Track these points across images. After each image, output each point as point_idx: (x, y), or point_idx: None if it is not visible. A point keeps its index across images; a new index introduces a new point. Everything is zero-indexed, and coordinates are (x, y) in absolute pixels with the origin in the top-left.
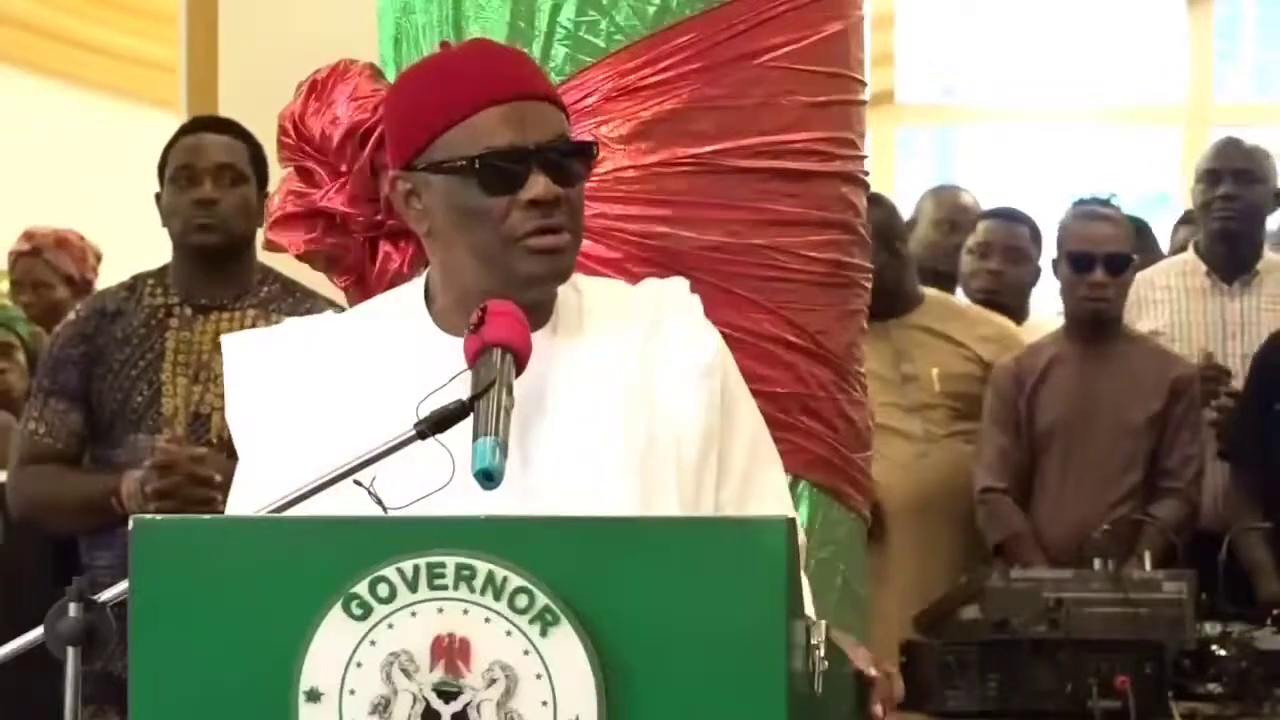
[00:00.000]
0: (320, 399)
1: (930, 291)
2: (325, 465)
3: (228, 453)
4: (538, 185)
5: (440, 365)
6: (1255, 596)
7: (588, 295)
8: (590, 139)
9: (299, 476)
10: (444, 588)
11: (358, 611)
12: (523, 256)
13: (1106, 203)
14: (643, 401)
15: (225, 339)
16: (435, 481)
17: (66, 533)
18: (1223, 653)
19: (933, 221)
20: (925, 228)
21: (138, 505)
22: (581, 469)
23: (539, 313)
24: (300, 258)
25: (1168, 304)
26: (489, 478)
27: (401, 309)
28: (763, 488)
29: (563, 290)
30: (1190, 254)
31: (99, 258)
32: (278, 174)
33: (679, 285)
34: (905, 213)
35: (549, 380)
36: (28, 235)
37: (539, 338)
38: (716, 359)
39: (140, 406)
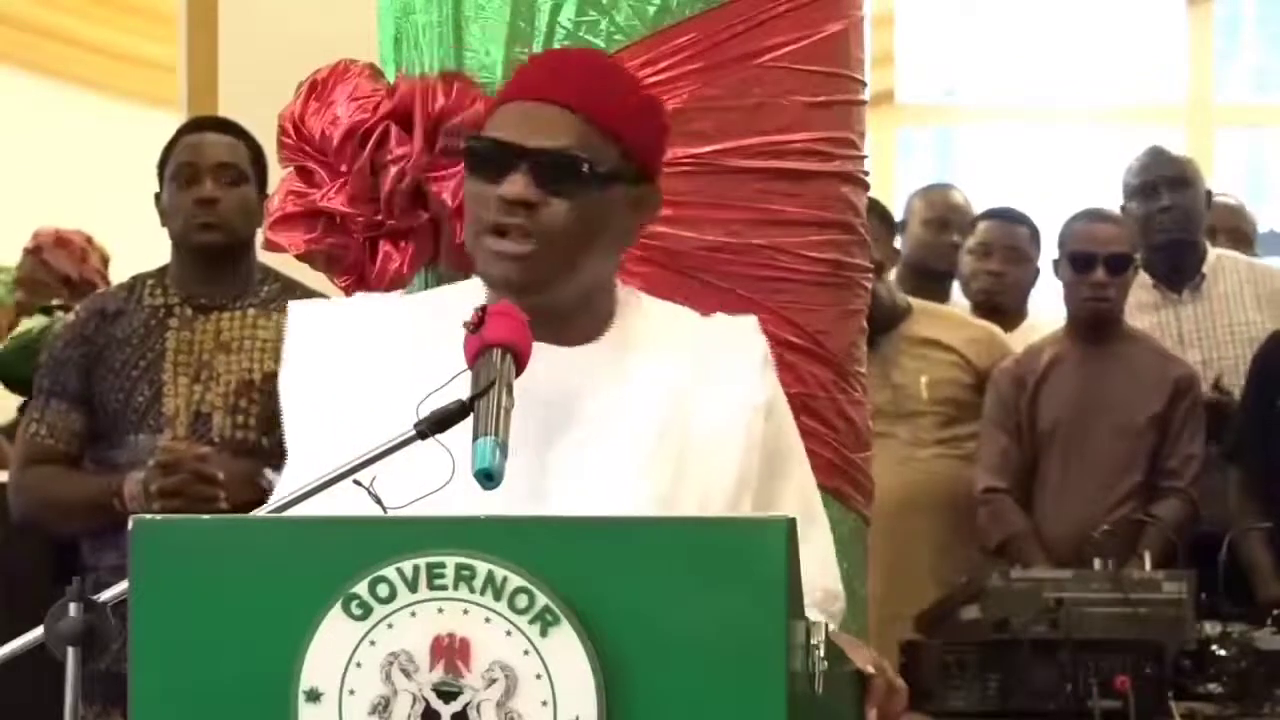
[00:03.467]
0: (370, 379)
1: (916, 301)
2: (364, 448)
3: (230, 452)
4: (515, 184)
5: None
6: (1255, 597)
7: (649, 318)
8: (585, 157)
9: (343, 455)
10: (444, 588)
11: (358, 611)
12: (485, 256)
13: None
14: (676, 436)
15: (293, 305)
16: (444, 482)
17: (68, 534)
18: (1223, 653)
19: (923, 221)
20: (916, 227)
21: (141, 505)
22: (602, 498)
23: (579, 325)
24: (300, 258)
25: None
26: (489, 478)
27: (461, 295)
28: (811, 548)
29: (625, 309)
30: None
31: (106, 260)
32: (278, 174)
33: (744, 324)
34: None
35: (584, 397)
36: (34, 235)
37: (587, 351)
38: (762, 403)
39: (141, 406)
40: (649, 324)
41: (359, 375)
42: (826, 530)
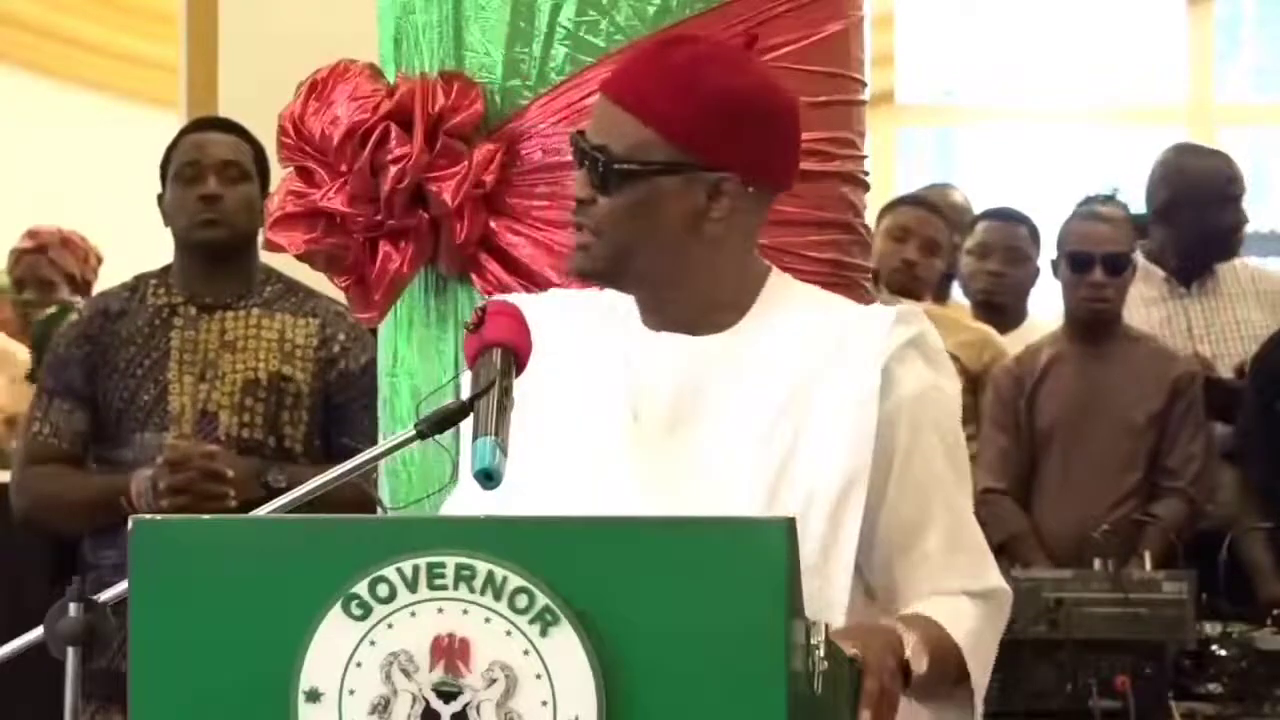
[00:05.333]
0: (536, 376)
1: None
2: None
3: (236, 450)
4: (578, 180)
5: (634, 358)
6: (1255, 597)
7: (790, 308)
8: (617, 155)
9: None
10: (444, 588)
11: (358, 611)
12: None
13: (1110, 198)
14: (788, 431)
15: (492, 298)
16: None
17: (72, 533)
18: (1223, 653)
19: None
20: None
21: (148, 503)
22: (708, 486)
23: (704, 315)
24: (300, 258)
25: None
26: (489, 477)
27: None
28: (964, 555)
29: (767, 298)
30: (1140, 260)
31: (100, 260)
32: (278, 175)
33: (880, 315)
34: None
35: (703, 389)
36: (32, 234)
37: (714, 341)
38: (872, 398)
39: (147, 405)
40: (788, 314)
41: (530, 373)
42: (978, 536)
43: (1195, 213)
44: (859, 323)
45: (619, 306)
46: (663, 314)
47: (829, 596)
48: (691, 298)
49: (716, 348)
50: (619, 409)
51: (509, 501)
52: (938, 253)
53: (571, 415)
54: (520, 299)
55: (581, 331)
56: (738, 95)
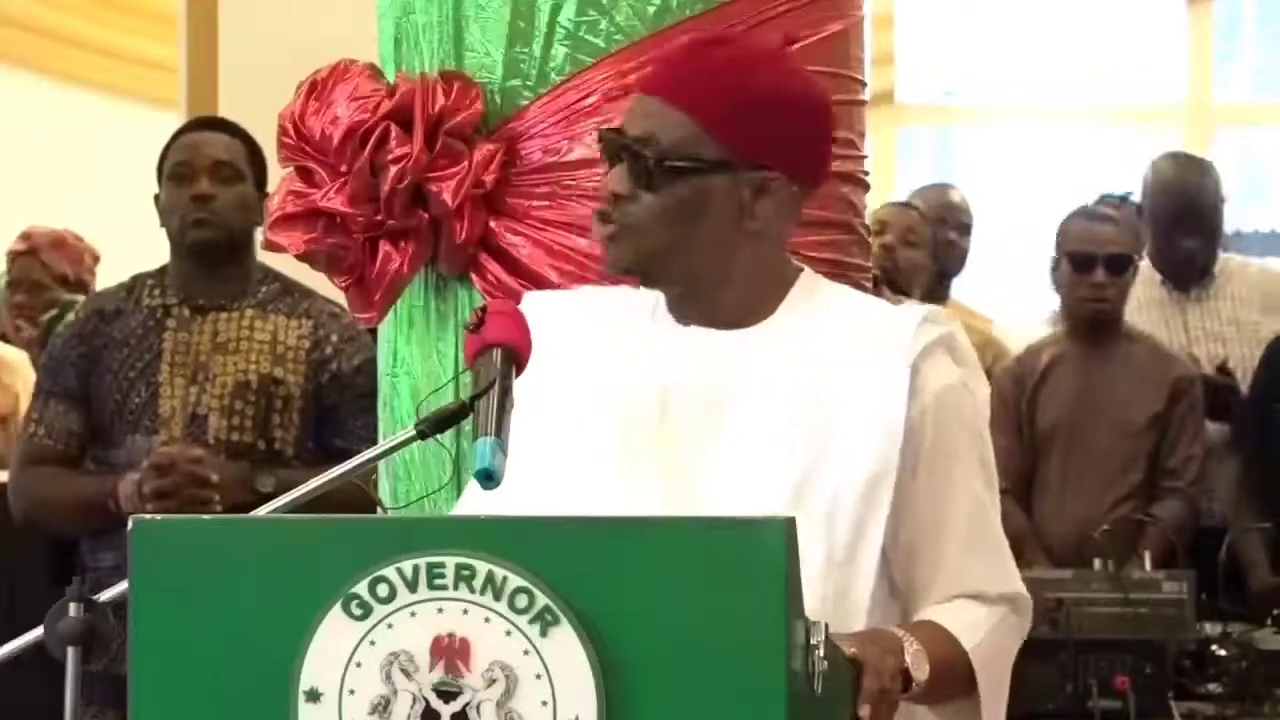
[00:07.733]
0: (553, 371)
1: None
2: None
3: (225, 454)
4: (612, 176)
5: (652, 354)
6: (1248, 591)
7: (819, 305)
8: (665, 151)
9: (524, 443)
10: (444, 588)
11: (357, 611)
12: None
13: (1123, 199)
14: (815, 427)
15: (527, 296)
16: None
17: (66, 534)
18: (1223, 653)
19: None
20: None
21: (135, 506)
22: (735, 485)
23: (733, 309)
24: (300, 258)
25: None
26: (489, 478)
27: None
28: (986, 559)
29: (796, 295)
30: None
31: (96, 259)
32: (278, 174)
33: (907, 315)
34: None
35: (729, 384)
36: (25, 235)
37: (741, 335)
38: (901, 392)
39: (138, 407)
40: (818, 310)
41: (548, 366)
42: (1000, 537)
43: (1166, 234)
44: (887, 321)
45: (648, 299)
46: (695, 310)
47: (853, 595)
48: (727, 295)
49: (746, 344)
50: (647, 406)
51: (527, 500)
52: (917, 245)
53: (598, 412)
54: (545, 296)
55: (608, 325)
56: (783, 93)
